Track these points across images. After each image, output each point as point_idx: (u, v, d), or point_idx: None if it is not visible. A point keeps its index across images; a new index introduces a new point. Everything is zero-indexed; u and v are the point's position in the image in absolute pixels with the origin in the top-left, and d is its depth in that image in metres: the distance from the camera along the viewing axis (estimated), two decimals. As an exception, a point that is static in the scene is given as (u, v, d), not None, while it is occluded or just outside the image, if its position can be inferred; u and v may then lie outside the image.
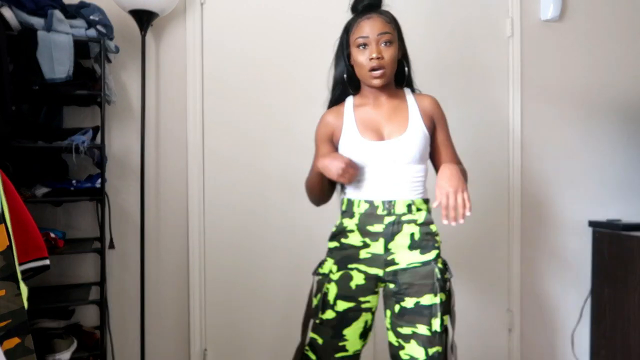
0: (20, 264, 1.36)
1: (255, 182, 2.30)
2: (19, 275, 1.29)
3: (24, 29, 1.73)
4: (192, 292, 2.24)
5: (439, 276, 1.44)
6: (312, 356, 1.51)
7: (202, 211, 2.25)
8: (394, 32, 1.47)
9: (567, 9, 2.68)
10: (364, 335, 1.51)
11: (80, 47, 1.83)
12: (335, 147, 1.55)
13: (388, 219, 1.46)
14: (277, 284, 2.31)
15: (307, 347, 1.52)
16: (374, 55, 1.42)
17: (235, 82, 2.28)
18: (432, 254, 1.46)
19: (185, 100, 2.23)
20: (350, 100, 1.57)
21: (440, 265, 1.46)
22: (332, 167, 1.41)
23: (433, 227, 1.49)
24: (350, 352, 1.49)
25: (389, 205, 1.46)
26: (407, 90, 1.57)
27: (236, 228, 2.27)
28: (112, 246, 2.06)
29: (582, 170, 2.72)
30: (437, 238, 1.49)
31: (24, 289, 1.31)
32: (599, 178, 2.74)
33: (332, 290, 1.48)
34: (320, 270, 1.53)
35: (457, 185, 1.33)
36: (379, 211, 1.46)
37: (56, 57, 1.73)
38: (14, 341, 1.25)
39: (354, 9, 1.51)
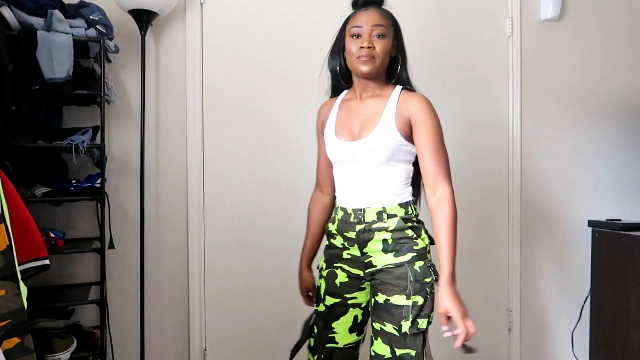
0: (21, 264, 1.36)
1: (256, 182, 2.30)
2: (19, 275, 1.29)
3: (24, 29, 1.73)
4: (192, 292, 2.24)
5: (412, 279, 1.38)
6: (312, 343, 1.56)
7: (202, 211, 2.25)
8: (390, 28, 1.45)
9: (567, 9, 2.68)
10: (355, 330, 1.51)
11: (80, 47, 1.82)
12: None
13: (359, 227, 1.45)
14: (277, 283, 2.31)
15: (312, 335, 1.57)
16: (365, 45, 1.40)
17: (235, 82, 2.28)
18: (407, 257, 1.41)
19: (185, 100, 2.23)
20: (343, 94, 1.58)
21: (417, 268, 1.40)
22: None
23: (409, 232, 1.42)
24: (340, 345, 1.51)
25: (360, 214, 1.45)
26: (397, 88, 1.49)
27: (236, 228, 2.27)
28: (112, 246, 2.05)
29: (582, 170, 2.72)
30: (418, 241, 1.43)
31: (24, 289, 1.31)
32: (599, 178, 2.74)
33: (323, 285, 1.55)
34: (319, 266, 1.60)
35: (464, 312, 1.30)
36: (352, 219, 1.47)
37: (56, 57, 1.72)
38: (14, 341, 1.25)
39: (354, 4, 1.51)
